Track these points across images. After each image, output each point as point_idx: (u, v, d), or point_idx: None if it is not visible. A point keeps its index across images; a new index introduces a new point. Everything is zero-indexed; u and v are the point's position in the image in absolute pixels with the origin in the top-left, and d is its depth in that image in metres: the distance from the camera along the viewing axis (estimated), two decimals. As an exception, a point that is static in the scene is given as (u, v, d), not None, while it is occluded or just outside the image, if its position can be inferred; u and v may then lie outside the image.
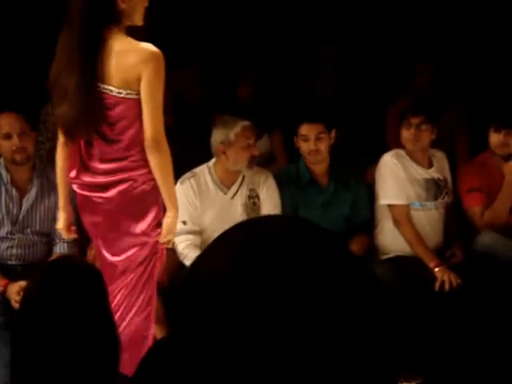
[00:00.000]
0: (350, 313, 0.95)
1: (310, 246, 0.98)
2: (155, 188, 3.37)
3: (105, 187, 3.41)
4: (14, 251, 4.28)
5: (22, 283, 3.87)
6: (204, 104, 5.73)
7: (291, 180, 4.67)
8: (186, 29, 6.07)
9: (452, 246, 4.66)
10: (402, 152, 4.64)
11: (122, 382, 2.23)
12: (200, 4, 6.29)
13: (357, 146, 5.40)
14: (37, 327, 2.09)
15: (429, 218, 4.63)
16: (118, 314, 3.45)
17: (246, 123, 4.42)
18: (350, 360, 0.93)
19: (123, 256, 3.47)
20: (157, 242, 3.45)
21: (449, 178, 4.74)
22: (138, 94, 3.26)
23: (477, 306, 4.20)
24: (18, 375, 2.16)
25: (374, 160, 4.75)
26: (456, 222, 4.74)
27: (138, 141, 3.32)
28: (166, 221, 3.40)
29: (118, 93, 3.28)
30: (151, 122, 3.25)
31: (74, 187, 3.51)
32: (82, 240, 4.21)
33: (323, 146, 4.59)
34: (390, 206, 4.60)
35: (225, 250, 0.99)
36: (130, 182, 3.37)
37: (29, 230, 4.30)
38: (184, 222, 4.28)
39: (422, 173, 4.62)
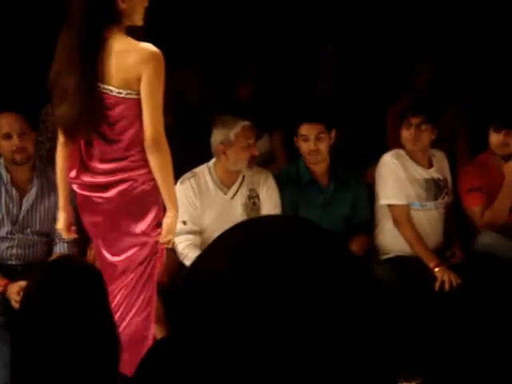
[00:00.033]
0: (350, 313, 0.95)
1: (310, 246, 0.98)
2: (155, 188, 3.37)
3: (105, 187, 3.41)
4: (14, 251, 4.28)
5: (22, 283, 3.87)
6: (204, 104, 5.73)
7: (291, 180, 4.66)
8: (186, 29, 6.07)
9: (452, 246, 4.66)
10: (402, 152, 4.64)
11: (121, 382, 2.23)
12: (200, 4, 6.28)
13: (357, 145, 5.40)
14: (37, 327, 2.09)
15: (429, 218, 4.63)
16: (118, 313, 3.45)
17: (246, 123, 4.42)
18: (350, 360, 0.94)
19: (123, 256, 3.47)
20: (157, 242, 3.45)
21: (449, 178, 4.74)
22: (138, 93, 3.26)
23: (477, 306, 4.20)
24: (18, 375, 2.16)
25: (374, 160, 4.75)
26: (456, 222, 4.74)
27: (138, 141, 3.32)
28: (166, 221, 3.40)
29: (118, 93, 3.28)
30: (151, 121, 3.25)
31: (74, 187, 3.51)
32: (82, 240, 4.21)
33: (323, 146, 4.59)
34: (390, 205, 4.60)
35: (225, 250, 0.99)
36: (130, 182, 3.37)
37: (29, 230, 4.30)
38: (184, 222, 4.28)
39: (422, 173, 4.62)
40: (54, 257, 4.23)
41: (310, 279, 0.94)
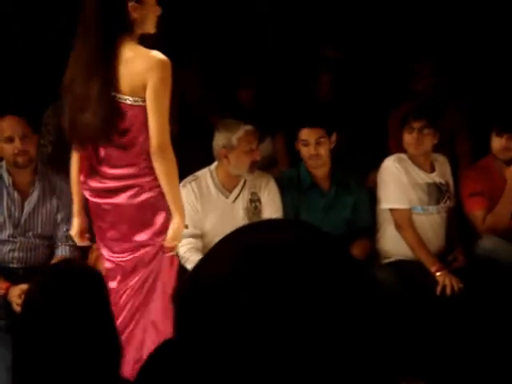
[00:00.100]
0: (351, 317, 0.95)
1: (311, 250, 0.98)
2: (162, 194, 3.40)
3: (113, 192, 3.44)
4: (16, 254, 4.28)
5: (24, 286, 3.87)
6: (204, 104, 5.73)
7: (292, 184, 4.66)
8: (186, 29, 6.07)
9: (454, 251, 4.66)
10: (404, 156, 4.64)
11: (123, 386, 2.23)
12: (200, 5, 6.28)
13: (358, 149, 5.39)
14: (38, 330, 2.10)
15: (431, 222, 4.62)
16: (122, 315, 3.47)
17: (248, 128, 4.41)
18: (351, 364, 0.93)
19: (129, 257, 3.49)
20: (162, 247, 3.47)
21: (451, 182, 4.74)
22: (145, 101, 3.28)
23: (478, 310, 4.20)
24: (19, 378, 2.16)
25: (376, 164, 4.75)
26: (458, 226, 4.74)
27: (145, 148, 3.34)
28: (172, 227, 3.42)
29: (126, 100, 3.30)
30: (157, 129, 3.27)
31: (85, 194, 3.54)
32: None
33: (323, 151, 4.59)
34: (391, 210, 4.60)
35: (226, 254, 0.99)
36: (137, 189, 3.40)
37: (30, 233, 4.30)
38: (185, 226, 4.28)
39: (424, 177, 4.62)
40: (55, 260, 4.23)
41: (311, 283, 0.94)
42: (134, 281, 3.50)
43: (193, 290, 0.99)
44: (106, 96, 3.28)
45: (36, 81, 5.50)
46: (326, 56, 5.96)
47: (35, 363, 2.09)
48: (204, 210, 4.41)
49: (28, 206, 4.30)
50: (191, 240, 4.32)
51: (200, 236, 4.38)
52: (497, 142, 4.60)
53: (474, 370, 3.98)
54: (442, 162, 4.74)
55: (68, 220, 4.37)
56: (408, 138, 4.59)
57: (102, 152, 3.43)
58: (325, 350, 0.92)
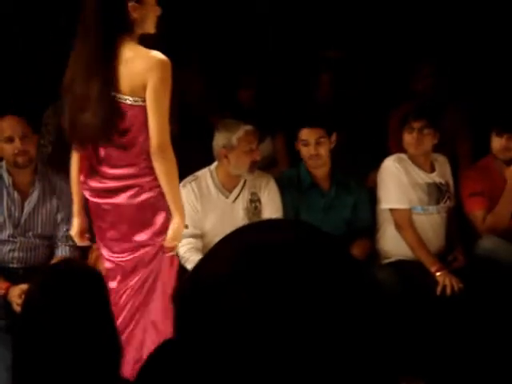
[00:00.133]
0: (351, 317, 0.95)
1: (311, 250, 0.98)
2: (162, 194, 3.40)
3: (113, 192, 3.44)
4: (16, 254, 4.28)
5: (24, 286, 3.87)
6: (204, 104, 5.72)
7: (292, 184, 4.66)
8: (186, 29, 6.06)
9: (454, 251, 4.66)
10: (404, 156, 4.64)
11: (123, 386, 2.23)
12: (200, 5, 6.28)
13: (358, 149, 5.39)
14: (38, 330, 2.10)
15: (431, 222, 4.62)
16: (122, 315, 3.47)
17: (249, 128, 4.41)
18: (351, 364, 0.93)
19: (129, 257, 3.49)
20: (162, 247, 3.47)
21: (451, 182, 4.74)
22: (145, 101, 3.28)
23: (478, 310, 4.20)
24: (19, 378, 2.16)
25: (376, 164, 4.75)
26: (458, 226, 4.74)
27: (145, 148, 3.34)
28: (172, 227, 3.43)
29: (126, 100, 3.30)
30: (157, 129, 3.27)
31: (86, 194, 3.54)
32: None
33: (323, 151, 4.59)
34: (391, 210, 4.60)
35: (226, 254, 0.99)
36: (137, 188, 3.40)
37: (30, 233, 4.30)
38: (185, 226, 4.28)
39: (424, 177, 4.62)
40: (55, 260, 4.23)
41: (311, 283, 0.94)
42: (133, 281, 3.50)
43: (193, 290, 0.99)
44: (106, 96, 3.28)
45: (36, 81, 5.50)
46: (326, 56, 5.96)
47: (35, 363, 2.09)
48: (204, 210, 4.41)
49: (28, 206, 4.30)
50: (191, 240, 4.32)
51: (200, 236, 4.38)
52: (497, 142, 4.60)
53: (474, 369, 3.98)
54: (442, 162, 4.74)
55: (68, 220, 4.37)
56: (408, 138, 4.59)
57: (102, 152, 3.43)
58: (325, 350, 0.92)
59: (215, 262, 0.99)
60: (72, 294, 2.13)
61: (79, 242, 3.76)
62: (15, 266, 4.29)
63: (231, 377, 0.93)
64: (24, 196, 4.30)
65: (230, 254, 0.98)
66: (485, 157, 4.78)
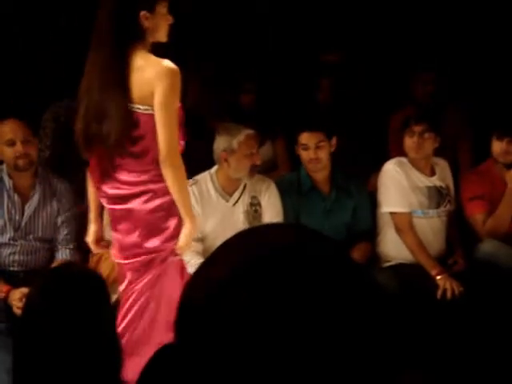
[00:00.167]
0: (351, 320, 0.95)
1: (312, 254, 0.98)
2: (174, 200, 3.42)
3: (126, 198, 3.45)
4: (17, 257, 4.29)
5: (24, 290, 3.87)
6: (205, 108, 5.71)
7: (293, 188, 4.66)
8: (186, 34, 6.06)
9: (454, 254, 4.66)
10: (404, 160, 4.65)
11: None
12: (199, 11, 6.28)
13: (358, 153, 5.40)
14: (39, 334, 2.10)
15: (431, 225, 4.62)
16: (127, 318, 3.48)
17: (249, 132, 4.41)
18: (351, 367, 0.94)
19: (139, 262, 3.50)
20: (172, 252, 3.48)
21: (451, 186, 4.74)
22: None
23: (479, 314, 4.20)
24: (19, 382, 2.16)
25: (376, 168, 4.75)
26: (458, 229, 4.74)
27: (157, 155, 3.36)
28: (184, 232, 3.44)
29: (137, 108, 3.32)
30: (165, 136, 3.29)
31: (103, 202, 3.56)
32: (84, 246, 4.22)
33: (323, 154, 4.59)
34: (392, 213, 4.60)
35: (227, 258, 1.00)
36: (151, 194, 3.42)
37: (31, 237, 4.30)
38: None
39: (424, 181, 4.62)
40: (56, 263, 4.24)
41: (312, 287, 0.94)
42: (140, 285, 3.51)
43: (194, 293, 0.99)
44: (123, 106, 3.31)
45: (36, 82, 5.50)
46: (326, 60, 5.96)
47: (36, 366, 2.09)
48: (204, 214, 4.41)
49: (28, 209, 4.30)
50: (192, 243, 4.32)
51: (200, 239, 4.38)
52: (497, 146, 4.60)
53: (475, 373, 3.98)
54: (442, 166, 4.74)
55: (68, 223, 4.38)
56: (409, 142, 4.59)
57: (115, 159, 3.45)
58: (326, 354, 0.92)
59: (216, 267, 0.99)
60: (72, 298, 2.13)
61: (95, 250, 3.78)
62: (16, 269, 4.29)
63: (233, 378, 0.93)
64: (24, 199, 4.31)
65: (231, 259, 0.98)
66: (485, 160, 4.79)
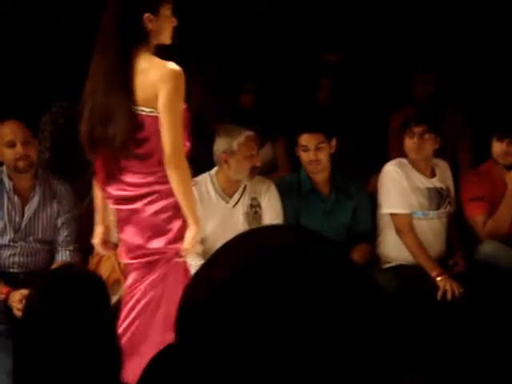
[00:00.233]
0: (351, 321, 0.95)
1: (312, 255, 0.98)
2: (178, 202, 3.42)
3: (131, 199, 3.46)
4: (17, 259, 4.29)
5: (24, 291, 3.87)
6: (205, 109, 5.71)
7: (292, 189, 4.67)
8: (187, 35, 6.06)
9: (454, 255, 4.66)
10: (404, 161, 4.65)
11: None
12: (198, 13, 6.28)
13: (358, 154, 5.39)
14: (39, 335, 2.10)
15: (431, 227, 4.62)
16: (129, 318, 3.49)
17: (249, 133, 4.42)
18: (351, 368, 0.94)
19: (142, 262, 3.50)
20: (175, 254, 3.48)
21: (451, 187, 4.74)
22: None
23: (479, 315, 4.20)
24: (20, 383, 2.16)
25: (376, 169, 4.75)
26: (458, 231, 4.74)
27: (162, 157, 3.36)
28: (189, 235, 3.44)
29: (142, 110, 3.32)
30: (170, 138, 3.29)
31: (109, 203, 3.57)
32: (84, 248, 4.22)
33: (323, 156, 4.59)
34: (392, 214, 4.60)
35: (228, 260, 1.00)
36: (156, 195, 3.42)
37: (31, 238, 4.30)
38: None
39: (424, 182, 4.62)
40: (56, 265, 4.24)
41: (312, 289, 0.94)
42: (144, 284, 3.52)
43: (194, 295, 0.99)
44: (128, 109, 3.32)
45: (36, 82, 5.50)
46: (326, 60, 5.96)
47: (36, 368, 2.09)
48: (204, 215, 4.40)
49: (28, 210, 4.30)
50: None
51: (201, 241, 4.38)
52: (497, 147, 4.60)
53: (475, 374, 3.98)
54: (442, 168, 4.74)
55: (68, 225, 4.38)
56: (409, 143, 4.59)
57: (121, 161, 3.45)
58: (326, 355, 0.92)
59: (216, 268, 0.99)
60: (73, 299, 2.13)
61: (102, 251, 3.78)
62: (16, 270, 4.29)
63: (232, 382, 0.93)
64: (24, 201, 4.31)
65: (231, 260, 0.98)
66: (485, 161, 4.79)
